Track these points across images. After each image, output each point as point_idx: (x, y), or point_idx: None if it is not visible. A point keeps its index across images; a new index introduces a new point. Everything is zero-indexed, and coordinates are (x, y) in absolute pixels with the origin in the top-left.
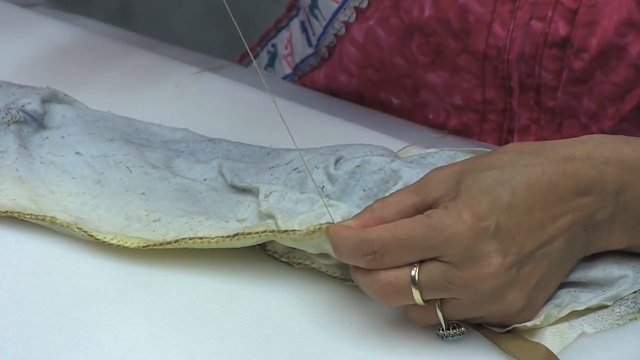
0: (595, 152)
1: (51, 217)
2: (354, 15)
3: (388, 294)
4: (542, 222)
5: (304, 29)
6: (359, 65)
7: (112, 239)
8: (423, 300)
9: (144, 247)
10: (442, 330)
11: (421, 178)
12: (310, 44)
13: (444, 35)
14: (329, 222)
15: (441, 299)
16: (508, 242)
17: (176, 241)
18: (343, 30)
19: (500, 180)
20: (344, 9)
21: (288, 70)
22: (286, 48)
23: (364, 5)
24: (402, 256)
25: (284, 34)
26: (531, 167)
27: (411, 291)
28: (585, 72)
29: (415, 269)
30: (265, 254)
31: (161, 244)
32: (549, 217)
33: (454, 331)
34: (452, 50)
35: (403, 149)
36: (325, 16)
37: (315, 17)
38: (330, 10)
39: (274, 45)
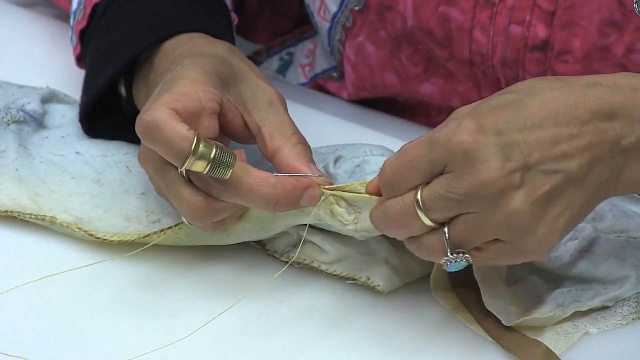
0: (623, 81)
1: (51, 217)
2: (344, 34)
3: (397, 220)
4: (556, 137)
5: None
6: (354, 86)
7: (112, 237)
8: (431, 221)
9: (145, 237)
10: (447, 256)
11: None
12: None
13: (430, 43)
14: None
15: (450, 223)
16: (511, 149)
17: (177, 225)
18: (341, 48)
19: (513, 100)
20: (335, 28)
21: (302, 80)
22: (307, 57)
23: (349, 23)
24: (410, 178)
25: (307, 45)
26: (549, 90)
27: (417, 213)
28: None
29: (419, 190)
30: (265, 254)
31: (161, 231)
32: (565, 134)
33: (457, 256)
34: (440, 57)
35: None
36: (324, 36)
37: (322, 35)
38: (325, 30)
39: (290, 54)
